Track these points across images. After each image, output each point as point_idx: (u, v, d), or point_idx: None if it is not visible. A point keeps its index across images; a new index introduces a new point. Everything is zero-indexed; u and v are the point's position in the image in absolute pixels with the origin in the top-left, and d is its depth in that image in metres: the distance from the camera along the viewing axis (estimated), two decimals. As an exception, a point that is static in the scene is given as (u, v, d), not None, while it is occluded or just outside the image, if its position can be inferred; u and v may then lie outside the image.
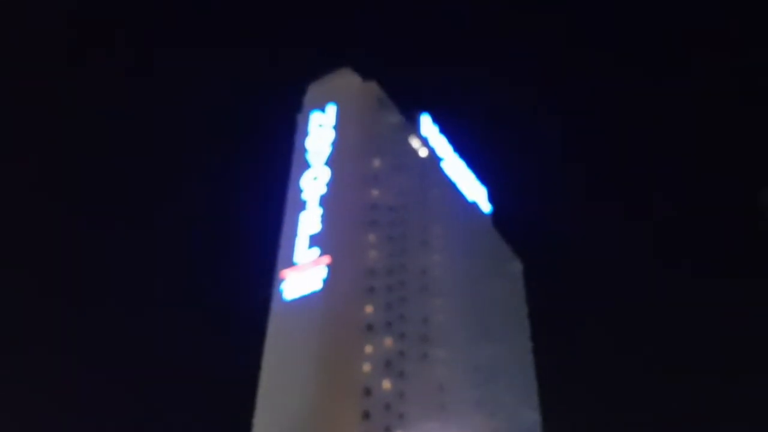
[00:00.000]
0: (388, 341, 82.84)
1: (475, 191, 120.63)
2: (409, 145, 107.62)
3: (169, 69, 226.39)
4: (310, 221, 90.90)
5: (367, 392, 76.74)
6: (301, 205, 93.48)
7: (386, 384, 79.29)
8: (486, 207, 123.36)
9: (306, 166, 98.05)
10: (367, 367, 78.76)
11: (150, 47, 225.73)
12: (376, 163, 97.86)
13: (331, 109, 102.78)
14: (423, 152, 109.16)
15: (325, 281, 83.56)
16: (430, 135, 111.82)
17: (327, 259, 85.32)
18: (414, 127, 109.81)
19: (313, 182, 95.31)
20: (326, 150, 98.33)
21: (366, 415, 74.94)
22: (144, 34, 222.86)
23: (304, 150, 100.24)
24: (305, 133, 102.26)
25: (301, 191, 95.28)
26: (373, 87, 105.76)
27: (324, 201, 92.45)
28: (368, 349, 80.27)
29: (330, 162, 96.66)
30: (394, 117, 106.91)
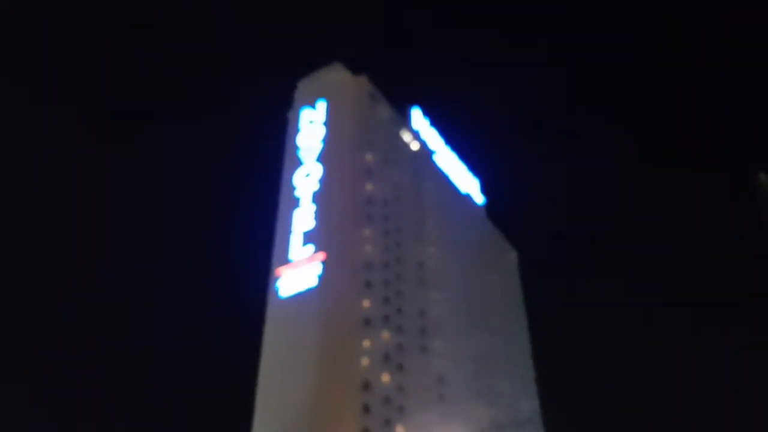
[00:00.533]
0: (386, 335, 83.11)
1: (468, 183, 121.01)
2: (401, 139, 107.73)
3: (163, 68, 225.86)
4: (304, 218, 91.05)
5: (367, 386, 77.02)
6: (295, 202, 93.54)
7: (385, 377, 79.65)
8: (479, 198, 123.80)
9: (298, 163, 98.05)
10: (365, 362, 79.00)
11: (141, 45, 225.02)
12: (368, 157, 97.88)
13: (322, 105, 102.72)
14: (415, 145, 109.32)
15: (321, 277, 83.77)
16: (422, 128, 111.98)
17: (322, 255, 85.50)
18: (405, 121, 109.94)
19: (306, 179, 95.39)
20: (318, 146, 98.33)
21: (366, 409, 75.24)
22: (135, 33, 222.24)
23: (296, 147, 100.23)
24: (296, 130, 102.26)
25: (294, 188, 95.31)
26: (363, 82, 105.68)
27: (317, 197, 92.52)
28: (366, 343, 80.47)
29: (322, 158, 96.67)
30: (385, 111, 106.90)
